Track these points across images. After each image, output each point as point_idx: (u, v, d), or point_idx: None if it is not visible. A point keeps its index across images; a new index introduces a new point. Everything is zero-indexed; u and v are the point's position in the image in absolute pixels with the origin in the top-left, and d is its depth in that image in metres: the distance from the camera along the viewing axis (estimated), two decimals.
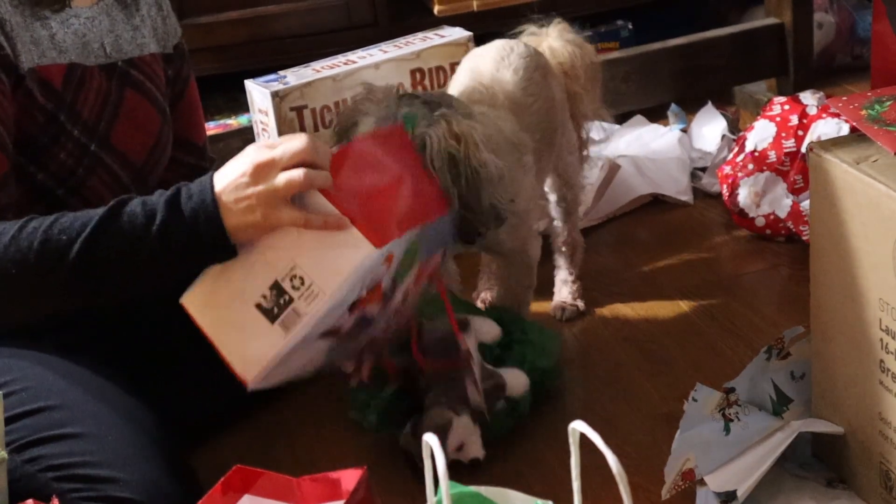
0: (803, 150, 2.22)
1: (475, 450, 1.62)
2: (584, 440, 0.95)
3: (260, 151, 1.36)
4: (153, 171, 1.73)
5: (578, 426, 0.94)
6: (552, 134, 1.88)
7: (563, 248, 2.08)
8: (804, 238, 2.20)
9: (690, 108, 2.71)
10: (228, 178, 1.36)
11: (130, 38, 1.70)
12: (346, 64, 2.11)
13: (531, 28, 2.03)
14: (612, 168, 2.39)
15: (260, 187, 1.34)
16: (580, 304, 2.07)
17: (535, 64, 1.86)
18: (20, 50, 1.54)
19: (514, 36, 1.99)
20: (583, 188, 2.11)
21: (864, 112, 1.42)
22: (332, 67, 2.10)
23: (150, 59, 1.73)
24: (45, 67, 1.57)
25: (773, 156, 2.27)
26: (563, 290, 2.08)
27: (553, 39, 2.01)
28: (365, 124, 1.55)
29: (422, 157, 1.46)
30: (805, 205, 2.18)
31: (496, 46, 1.89)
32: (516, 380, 1.70)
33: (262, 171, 1.34)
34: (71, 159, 1.60)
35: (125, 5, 1.71)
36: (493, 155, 1.54)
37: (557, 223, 2.07)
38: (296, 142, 1.35)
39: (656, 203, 2.45)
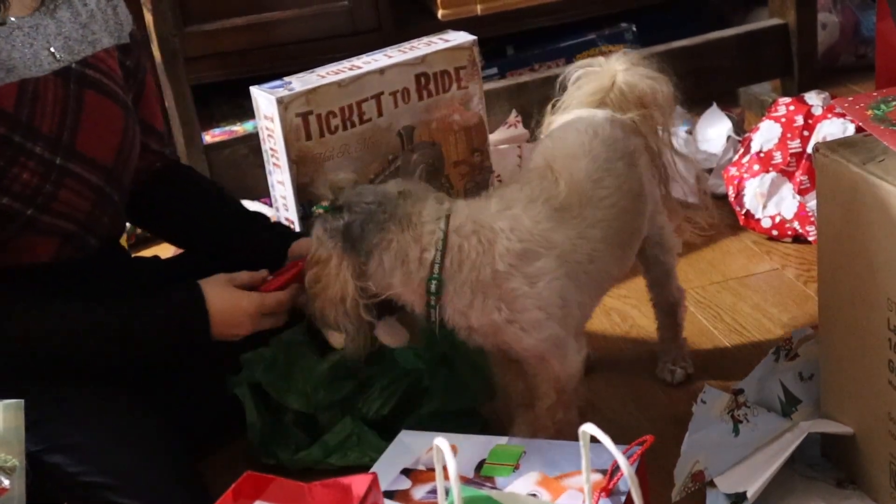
0: (809, 150, 2.22)
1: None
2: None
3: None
4: (125, 169, 1.69)
5: (588, 429, 0.94)
6: (624, 233, 1.65)
7: (663, 308, 1.87)
8: (811, 239, 2.20)
9: (695, 109, 2.71)
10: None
11: (81, 37, 1.63)
12: (351, 69, 2.11)
13: (598, 62, 1.79)
14: None
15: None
16: (688, 365, 1.87)
17: (622, 151, 1.65)
18: None
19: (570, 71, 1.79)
20: (678, 249, 1.87)
21: (869, 112, 1.42)
22: (337, 73, 2.10)
23: (105, 54, 1.66)
24: None
25: (778, 157, 2.27)
26: (671, 349, 1.88)
27: (627, 74, 1.75)
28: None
29: None
30: (811, 205, 2.18)
31: (578, 128, 1.66)
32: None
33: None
34: (36, 178, 1.55)
35: (69, 3, 1.63)
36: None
37: (653, 287, 1.86)
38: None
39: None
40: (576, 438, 1.47)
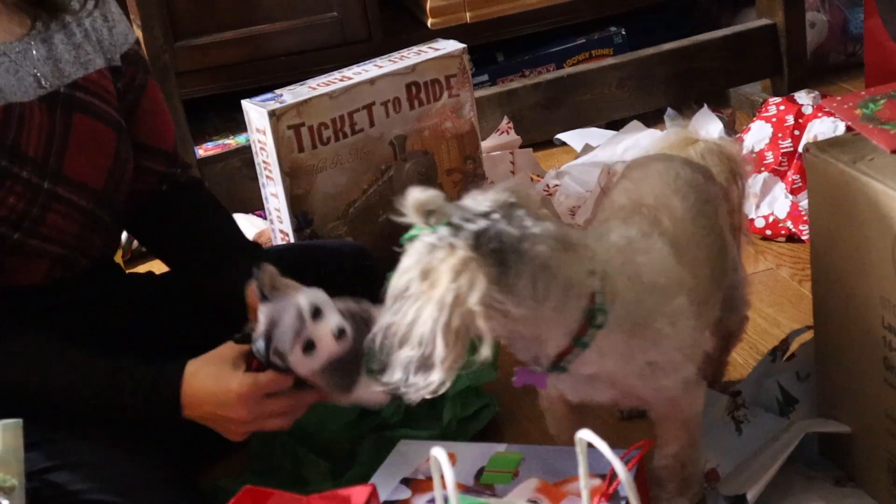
0: (800, 149, 2.23)
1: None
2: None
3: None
4: (116, 191, 1.66)
5: (585, 435, 0.95)
6: (721, 273, 1.55)
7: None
8: (804, 238, 2.20)
9: (686, 111, 2.72)
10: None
11: (73, 59, 1.60)
12: (341, 80, 2.12)
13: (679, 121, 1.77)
14: (611, 175, 2.39)
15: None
16: None
17: (707, 194, 1.54)
18: None
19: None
20: (747, 318, 1.74)
21: (858, 111, 1.43)
22: (327, 84, 2.11)
23: (97, 75, 1.63)
24: None
25: (770, 156, 2.27)
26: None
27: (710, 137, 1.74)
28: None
29: None
30: (804, 204, 2.18)
31: (657, 169, 1.56)
32: None
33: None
34: (22, 202, 1.53)
35: (64, 24, 1.61)
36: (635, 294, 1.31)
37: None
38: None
39: None
40: (695, 483, 1.49)
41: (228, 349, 1.48)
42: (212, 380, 1.46)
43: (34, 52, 1.57)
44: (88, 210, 1.62)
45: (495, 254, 1.20)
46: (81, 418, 1.51)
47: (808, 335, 1.64)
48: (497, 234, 1.21)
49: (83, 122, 1.60)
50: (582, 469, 0.98)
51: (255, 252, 1.74)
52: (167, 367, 1.50)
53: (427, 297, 1.19)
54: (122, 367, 1.52)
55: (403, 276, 1.21)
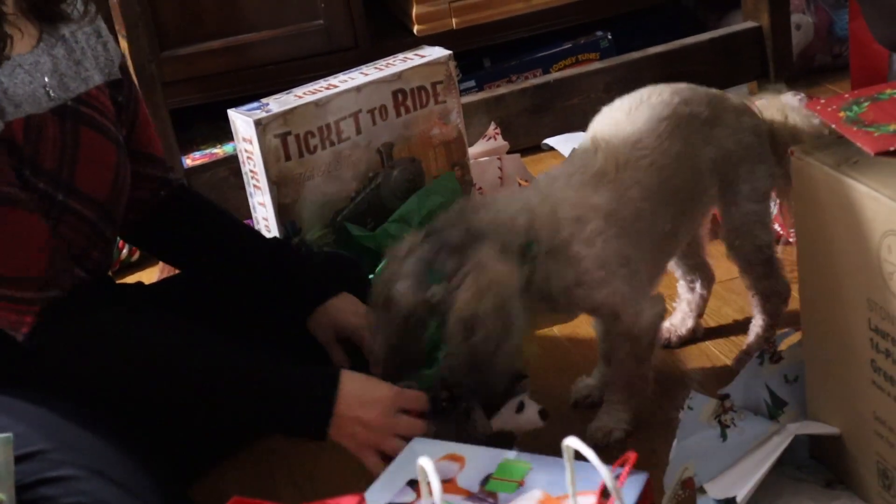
0: None
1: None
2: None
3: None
4: (117, 204, 1.69)
5: (572, 442, 0.94)
6: (669, 190, 1.69)
7: (758, 300, 1.88)
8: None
9: None
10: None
11: (74, 74, 1.63)
12: (327, 88, 2.12)
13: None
14: None
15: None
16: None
17: (668, 113, 1.71)
18: None
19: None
20: (775, 241, 1.87)
21: (842, 114, 1.43)
22: (314, 93, 2.11)
23: (97, 91, 1.66)
24: (7, 124, 1.52)
25: None
26: (751, 334, 1.91)
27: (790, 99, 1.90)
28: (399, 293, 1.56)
29: None
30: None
31: (639, 93, 1.76)
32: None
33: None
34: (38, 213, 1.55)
35: (64, 40, 1.63)
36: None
37: (746, 278, 1.87)
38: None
39: None
40: (647, 394, 1.72)
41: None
42: (362, 382, 1.57)
43: (43, 63, 1.60)
44: (94, 223, 1.64)
45: (462, 242, 1.54)
46: (217, 410, 1.58)
47: (796, 337, 1.64)
48: (447, 236, 1.55)
49: (89, 135, 1.63)
50: (569, 477, 0.98)
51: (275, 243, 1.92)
52: (318, 367, 1.62)
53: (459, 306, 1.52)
54: (274, 361, 1.58)
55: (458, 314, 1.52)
